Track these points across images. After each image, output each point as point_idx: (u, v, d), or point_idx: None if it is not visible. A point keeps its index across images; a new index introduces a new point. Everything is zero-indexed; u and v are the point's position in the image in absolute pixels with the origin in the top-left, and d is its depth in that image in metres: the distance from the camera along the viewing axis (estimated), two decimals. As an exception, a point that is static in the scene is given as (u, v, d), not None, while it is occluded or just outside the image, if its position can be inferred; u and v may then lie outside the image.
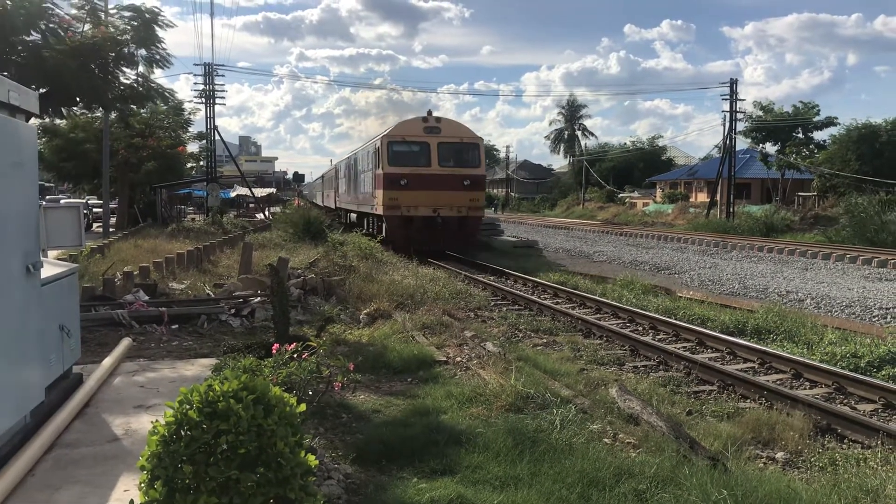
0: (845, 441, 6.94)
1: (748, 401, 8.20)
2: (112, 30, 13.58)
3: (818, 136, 57.00)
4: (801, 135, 56.87)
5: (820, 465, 6.24)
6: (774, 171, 57.76)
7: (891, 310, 14.96)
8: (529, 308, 14.39)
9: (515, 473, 5.35)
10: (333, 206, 44.98)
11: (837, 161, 48.23)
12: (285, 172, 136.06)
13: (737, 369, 9.34)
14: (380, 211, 24.99)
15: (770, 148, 58.20)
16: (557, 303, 14.89)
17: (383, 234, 25.24)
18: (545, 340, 11.32)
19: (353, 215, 34.79)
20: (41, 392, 5.85)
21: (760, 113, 57.10)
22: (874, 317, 14.38)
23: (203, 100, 48.58)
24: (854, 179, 44.97)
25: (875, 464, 6.00)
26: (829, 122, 55.60)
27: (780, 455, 6.51)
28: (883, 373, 9.27)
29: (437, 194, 24.06)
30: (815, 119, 55.88)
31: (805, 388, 8.76)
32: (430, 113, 25.82)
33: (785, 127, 55.66)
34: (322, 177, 61.69)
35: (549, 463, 5.50)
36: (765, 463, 6.33)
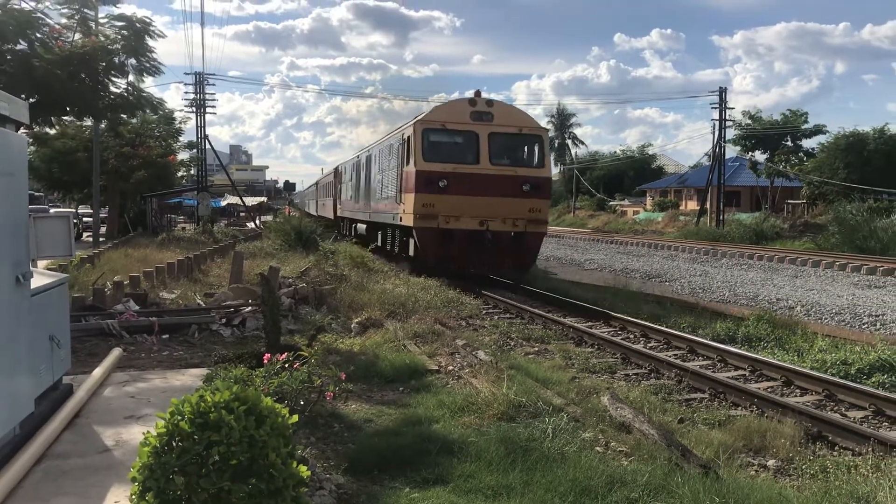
0: (836, 448, 6.95)
1: (739, 408, 8.21)
2: (102, 39, 13.58)
3: (807, 143, 57.54)
4: (789, 143, 57.27)
5: (811, 472, 6.25)
6: (764, 178, 58.13)
7: (880, 317, 15.04)
8: (521, 316, 14.39)
9: (508, 482, 5.34)
10: (332, 216, 39.48)
11: (826, 169, 48.62)
12: (276, 181, 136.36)
13: (728, 377, 9.35)
14: (408, 221, 18.99)
15: (759, 156, 58.66)
16: (549, 311, 14.89)
17: (410, 252, 19.70)
18: (537, 349, 11.31)
19: (362, 226, 28.38)
20: (31, 403, 5.82)
21: (749, 121, 57.48)
22: (864, 324, 14.45)
23: (193, 109, 48.60)
24: (842, 187, 45.29)
25: (866, 471, 6.02)
26: (818, 129, 56.10)
27: (771, 462, 6.52)
28: (873, 380, 9.32)
29: (487, 201, 18.20)
30: (803, 127, 56.34)
31: (796, 396, 8.78)
32: (478, 94, 19.50)
33: (774, 135, 56.06)
34: (316, 183, 55.82)
35: (542, 471, 5.50)
36: (756, 470, 6.34)
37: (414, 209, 18.38)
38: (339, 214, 37.07)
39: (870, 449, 6.59)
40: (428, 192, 18.23)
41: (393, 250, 22.05)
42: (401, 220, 20.07)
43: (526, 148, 19.59)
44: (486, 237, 18.31)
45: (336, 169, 39.14)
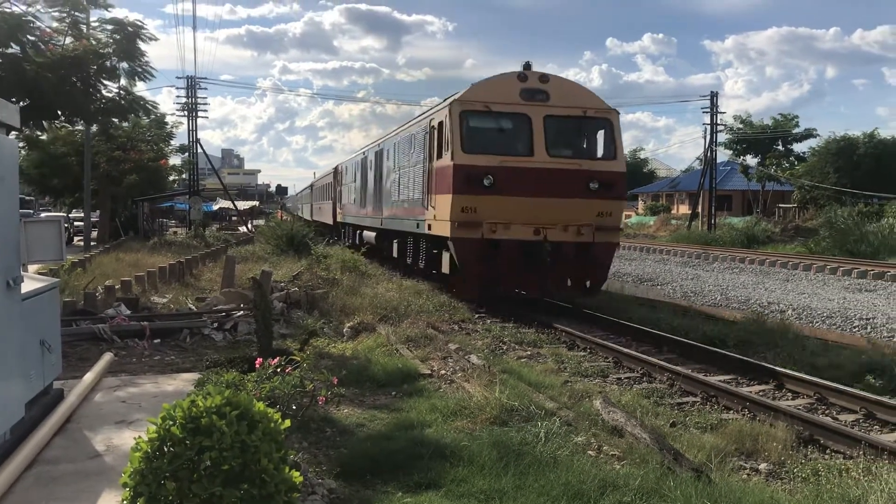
0: (827, 451, 6.97)
1: (731, 412, 8.22)
2: (94, 43, 13.55)
3: (798, 148, 57.91)
4: (780, 147, 57.60)
5: (803, 475, 6.27)
6: (755, 182, 58.45)
7: (871, 320, 15.10)
8: (513, 320, 14.36)
9: (500, 487, 5.34)
10: (331, 221, 35.57)
11: (817, 173, 48.92)
12: (268, 185, 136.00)
13: (719, 380, 9.37)
14: (441, 230, 15.18)
15: (751, 160, 58.97)
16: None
17: (443, 268, 15.76)
18: (529, 353, 11.31)
19: (370, 234, 24.29)
20: (21, 408, 5.79)
21: (741, 125, 57.81)
22: (854, 327, 14.52)
23: (185, 112, 48.54)
24: (833, 191, 45.57)
25: (857, 474, 6.04)
26: (808, 133, 56.52)
27: (763, 466, 6.53)
28: (864, 383, 9.34)
29: (545, 204, 14.43)
30: (794, 131, 56.66)
31: (787, 399, 8.80)
32: (528, 67, 15.43)
33: (765, 139, 56.36)
34: (311, 186, 50.70)
35: (534, 476, 5.50)
36: (748, 474, 6.35)
37: (451, 215, 14.43)
38: (339, 220, 33.20)
39: (861, 452, 6.61)
40: (469, 193, 14.35)
41: (416, 265, 18.33)
42: (429, 229, 16.17)
43: (592, 135, 15.71)
44: (544, 249, 14.42)
45: (336, 169, 35.13)
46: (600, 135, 15.57)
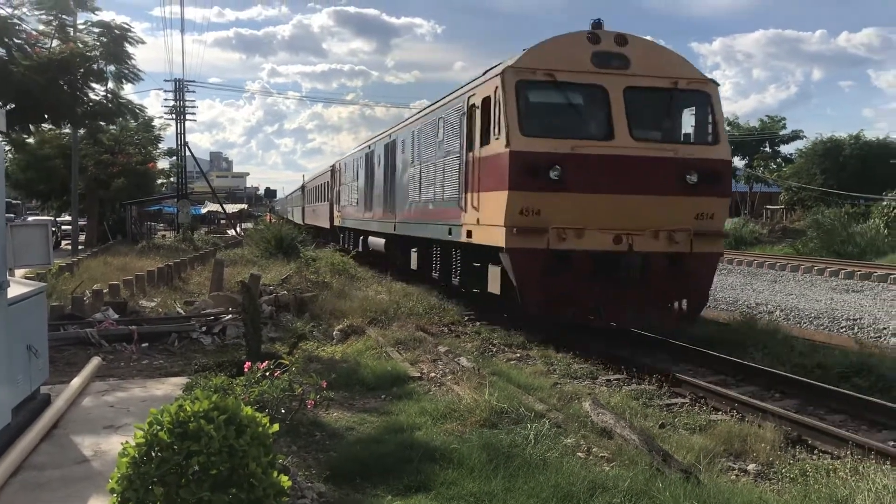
0: (815, 452, 7.01)
1: (720, 413, 8.25)
2: (81, 46, 13.49)
3: (785, 149, 58.31)
4: (768, 149, 58.01)
5: (791, 476, 6.29)
6: (743, 184, 58.76)
7: (858, 320, 15.19)
8: (503, 322, 14.36)
9: (490, 489, 5.34)
10: (327, 225, 32.50)
11: (804, 175, 49.28)
12: (257, 188, 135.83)
13: (708, 381, 9.40)
14: (489, 238, 11.83)
15: (738, 162, 59.34)
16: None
17: (492, 287, 12.33)
18: (518, 355, 11.31)
19: (378, 241, 21.08)
20: (7, 413, 5.75)
21: (728, 127, 58.23)
22: (842, 328, 14.59)
23: (173, 116, 48.38)
24: (820, 192, 45.88)
25: (844, 474, 6.07)
26: (795, 135, 56.96)
27: (751, 467, 6.56)
28: (851, 383, 9.39)
29: (629, 203, 11.17)
30: (781, 133, 57.07)
31: (775, 400, 8.84)
32: (599, 25, 12.06)
33: (753, 141, 56.72)
34: (303, 187, 46.73)
35: (524, 478, 5.50)
36: (737, 475, 6.38)
37: (505, 218, 11.05)
38: (337, 224, 29.96)
39: (848, 452, 6.65)
40: (530, 189, 10.98)
41: (447, 281, 15.19)
42: (468, 237, 12.82)
43: (685, 112, 12.30)
44: (630, 262, 11.26)
45: (333, 167, 31.52)
46: (696, 112, 12.25)
